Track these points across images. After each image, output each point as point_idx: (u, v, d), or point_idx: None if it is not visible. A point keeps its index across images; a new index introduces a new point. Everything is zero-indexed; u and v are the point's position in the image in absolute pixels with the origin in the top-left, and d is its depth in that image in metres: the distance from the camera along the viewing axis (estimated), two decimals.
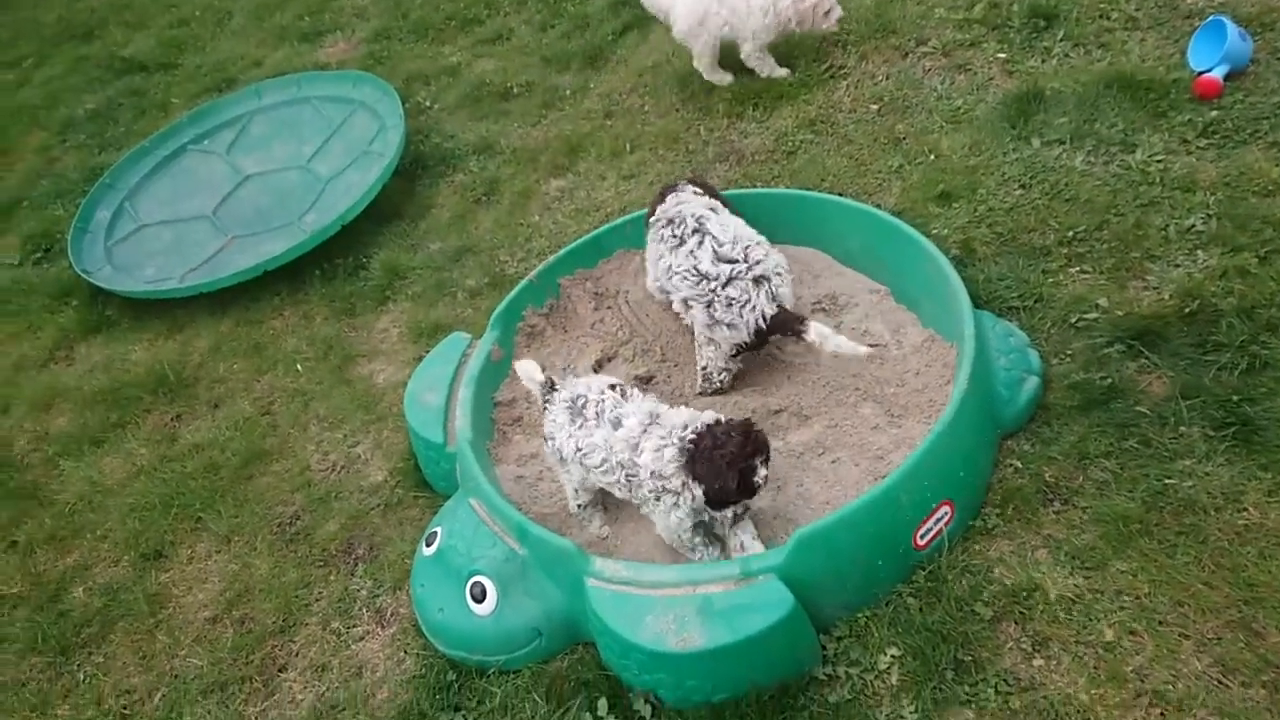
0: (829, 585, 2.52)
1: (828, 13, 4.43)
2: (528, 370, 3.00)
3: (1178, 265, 3.14)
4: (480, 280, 4.24)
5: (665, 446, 2.61)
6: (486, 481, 2.94)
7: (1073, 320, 3.11)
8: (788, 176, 4.12)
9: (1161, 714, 2.22)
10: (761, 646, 2.40)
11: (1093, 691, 2.29)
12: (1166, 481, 2.61)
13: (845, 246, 3.56)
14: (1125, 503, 2.60)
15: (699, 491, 2.57)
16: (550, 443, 2.89)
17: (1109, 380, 2.89)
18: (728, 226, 3.17)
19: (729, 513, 2.66)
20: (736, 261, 3.06)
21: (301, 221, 4.84)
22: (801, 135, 4.31)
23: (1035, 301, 3.22)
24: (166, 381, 4.25)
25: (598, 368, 3.55)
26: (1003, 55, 4.27)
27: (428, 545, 2.96)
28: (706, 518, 2.67)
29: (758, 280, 3.03)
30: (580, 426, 2.78)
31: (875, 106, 4.32)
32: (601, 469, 2.73)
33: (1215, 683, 2.23)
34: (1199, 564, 2.43)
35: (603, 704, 2.56)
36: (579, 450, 2.77)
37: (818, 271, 3.59)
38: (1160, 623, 2.36)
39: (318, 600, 3.16)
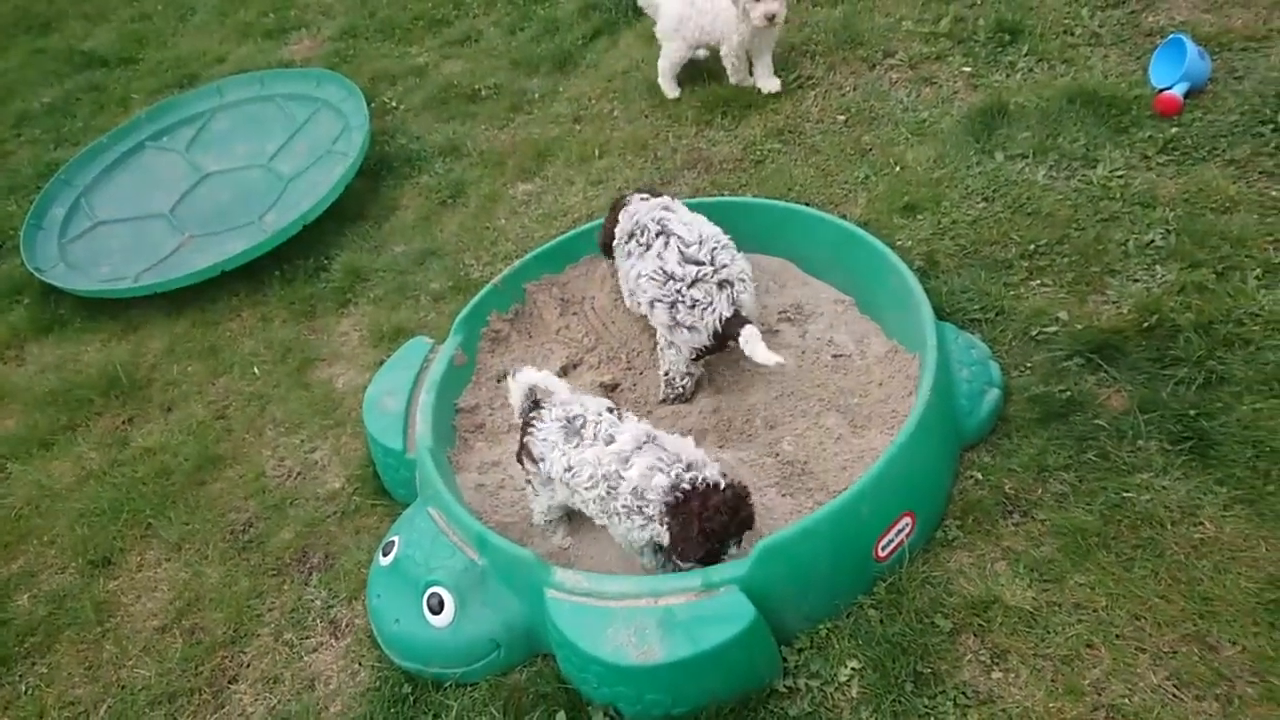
0: (791, 597, 2.51)
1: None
2: (529, 379, 2.85)
3: (1137, 280, 3.18)
4: (444, 284, 4.19)
5: (658, 471, 2.52)
6: (446, 490, 2.89)
7: (1033, 333, 3.14)
8: (755, 185, 4.13)
9: None
10: (722, 659, 2.38)
11: (1050, 705, 2.30)
12: (1124, 495, 2.63)
13: (811, 256, 3.56)
14: (1083, 515, 2.62)
15: (666, 538, 2.54)
16: (541, 464, 2.77)
17: (1068, 393, 2.92)
18: (691, 225, 3.15)
19: None
20: (703, 264, 3.04)
21: (261, 221, 4.75)
22: (769, 144, 4.32)
23: (997, 314, 3.24)
24: (119, 383, 4.15)
25: (563, 374, 3.51)
26: (968, 69, 4.31)
27: (385, 555, 2.91)
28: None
29: (721, 284, 3.03)
30: (575, 446, 2.70)
31: (842, 117, 4.34)
32: (588, 484, 2.64)
33: (1171, 696, 2.25)
34: (1156, 577, 2.45)
35: (561, 717, 2.53)
36: (568, 469, 2.68)
37: (784, 281, 3.59)
38: (1117, 636, 2.37)
39: (270, 610, 3.09)
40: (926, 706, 2.36)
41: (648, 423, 2.74)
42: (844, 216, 3.65)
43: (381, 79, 5.84)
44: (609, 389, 3.42)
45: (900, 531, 2.61)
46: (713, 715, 2.43)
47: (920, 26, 4.61)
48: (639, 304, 3.24)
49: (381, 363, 3.62)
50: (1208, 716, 2.20)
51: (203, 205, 5.05)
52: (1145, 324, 3.00)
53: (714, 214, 3.32)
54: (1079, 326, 3.08)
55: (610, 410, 2.77)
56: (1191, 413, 2.73)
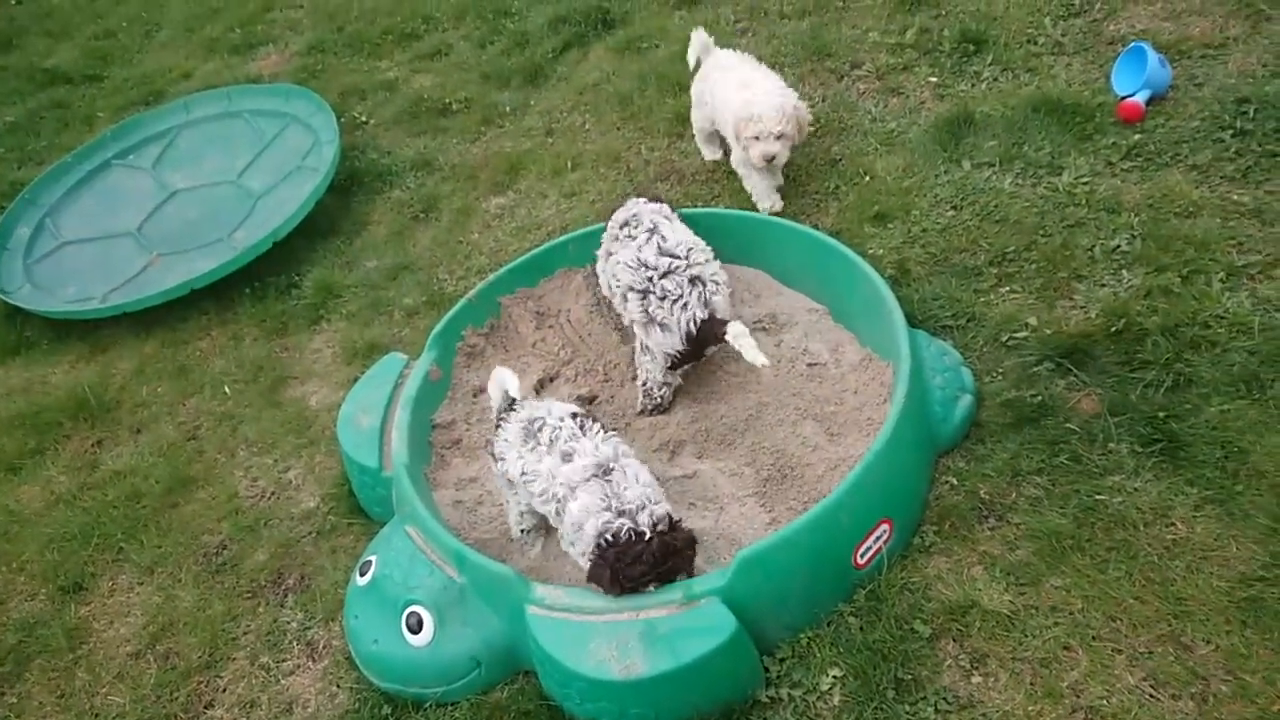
0: (771, 606, 2.52)
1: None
2: (502, 378, 2.92)
3: (1104, 285, 3.23)
4: (418, 299, 4.17)
5: (601, 511, 2.51)
6: (423, 507, 2.87)
7: (1004, 339, 3.17)
8: (728, 196, 4.14)
9: None
10: (705, 671, 2.38)
11: (1030, 708, 2.31)
12: (1097, 497, 2.66)
13: (785, 266, 3.58)
14: (1057, 519, 2.64)
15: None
16: (500, 464, 2.81)
17: (1039, 398, 2.95)
18: (678, 231, 3.24)
19: None
20: (678, 258, 3.11)
21: (231, 238, 4.70)
22: None
23: (968, 320, 3.28)
24: (87, 406, 4.09)
25: (539, 388, 3.51)
26: (934, 79, 4.36)
27: (362, 574, 2.88)
28: None
29: (694, 280, 3.07)
30: (532, 450, 2.71)
31: (812, 128, 4.36)
32: (540, 498, 2.68)
33: (1148, 696, 2.27)
34: (1130, 579, 2.48)
35: None
36: (524, 474, 2.71)
37: (758, 291, 3.61)
38: (1094, 638, 2.40)
39: (246, 633, 3.05)
40: (908, 713, 2.37)
41: (619, 437, 2.74)
42: (815, 226, 3.67)
43: (351, 94, 5.81)
44: (586, 401, 3.41)
45: (878, 538, 2.62)
46: None
47: (887, 38, 4.66)
48: (614, 294, 3.29)
49: (355, 380, 3.59)
50: (1184, 715, 2.23)
51: (171, 223, 5.00)
52: (1113, 328, 3.04)
53: (688, 224, 3.34)
54: (1048, 331, 3.12)
55: (574, 416, 2.76)
56: (1161, 415, 2.77)
